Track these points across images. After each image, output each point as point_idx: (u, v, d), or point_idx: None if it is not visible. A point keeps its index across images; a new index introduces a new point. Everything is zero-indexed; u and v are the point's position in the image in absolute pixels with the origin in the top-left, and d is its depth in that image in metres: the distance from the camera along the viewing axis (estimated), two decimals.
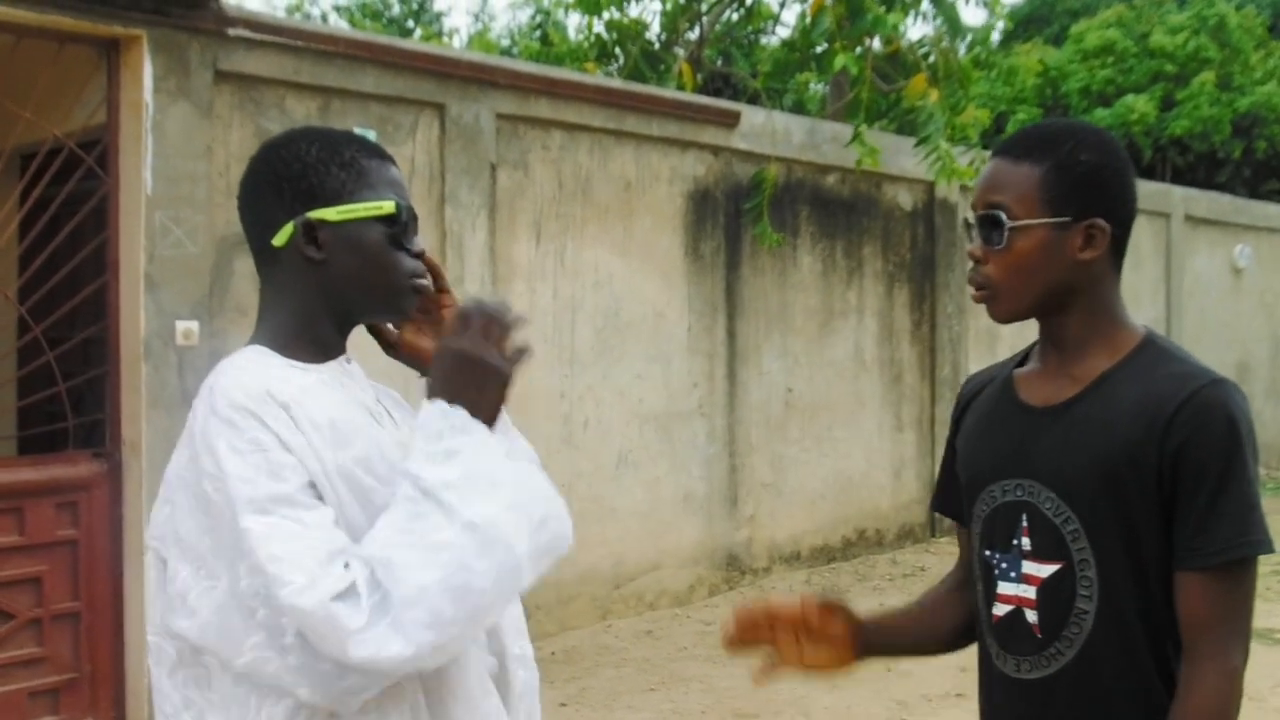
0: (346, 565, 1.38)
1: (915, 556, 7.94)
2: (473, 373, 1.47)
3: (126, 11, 4.50)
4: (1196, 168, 13.67)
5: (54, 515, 4.47)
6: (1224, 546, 1.56)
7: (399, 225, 1.60)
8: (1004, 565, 1.73)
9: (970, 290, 1.78)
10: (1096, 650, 1.64)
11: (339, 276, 1.58)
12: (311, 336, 1.59)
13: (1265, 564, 8.43)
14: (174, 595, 1.48)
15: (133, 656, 4.59)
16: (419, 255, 1.63)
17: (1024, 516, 1.71)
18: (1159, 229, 11.07)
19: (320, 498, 1.44)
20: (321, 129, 1.65)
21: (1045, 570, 1.68)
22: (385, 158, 1.63)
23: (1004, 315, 1.74)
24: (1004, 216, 1.67)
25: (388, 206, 1.58)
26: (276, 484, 1.41)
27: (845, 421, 7.98)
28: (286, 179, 1.57)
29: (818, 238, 7.79)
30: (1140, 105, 13.39)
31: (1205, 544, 1.57)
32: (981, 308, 1.78)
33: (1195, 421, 1.58)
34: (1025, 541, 1.71)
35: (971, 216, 1.75)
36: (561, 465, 6.28)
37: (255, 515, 1.39)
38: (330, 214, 1.55)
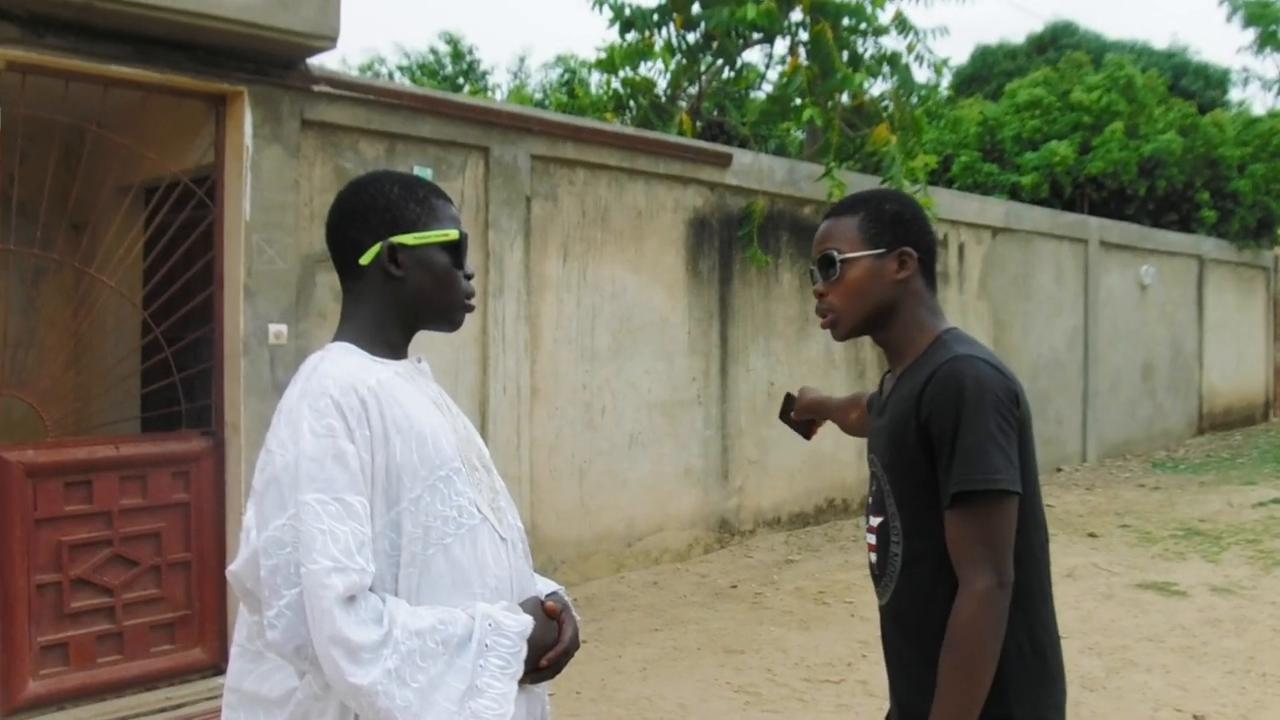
0: (367, 564, 1.42)
1: None
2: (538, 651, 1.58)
3: (232, 72, 4.53)
4: (1109, 202, 13.61)
5: (170, 482, 4.50)
6: (952, 487, 1.61)
7: (460, 251, 1.64)
8: (867, 517, 1.87)
9: (819, 320, 1.88)
10: (903, 586, 1.74)
11: (412, 290, 1.61)
12: (384, 339, 1.62)
13: (1164, 529, 8.24)
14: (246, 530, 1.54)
15: (234, 598, 4.61)
16: (470, 277, 1.67)
17: (873, 480, 1.85)
18: (1079, 252, 11.03)
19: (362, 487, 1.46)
20: (397, 173, 1.69)
21: (876, 521, 1.80)
22: (448, 199, 1.69)
23: (843, 334, 1.84)
24: (836, 255, 1.80)
25: (453, 235, 1.63)
26: (338, 469, 1.43)
27: None
28: (373, 210, 1.61)
29: (795, 258, 7.79)
30: (1062, 150, 13.34)
31: (945, 486, 1.63)
32: None
33: (934, 391, 1.65)
34: (872, 499, 1.84)
35: (813, 264, 1.86)
36: (583, 444, 6.30)
37: (315, 491, 1.42)
38: (409, 239, 1.60)
